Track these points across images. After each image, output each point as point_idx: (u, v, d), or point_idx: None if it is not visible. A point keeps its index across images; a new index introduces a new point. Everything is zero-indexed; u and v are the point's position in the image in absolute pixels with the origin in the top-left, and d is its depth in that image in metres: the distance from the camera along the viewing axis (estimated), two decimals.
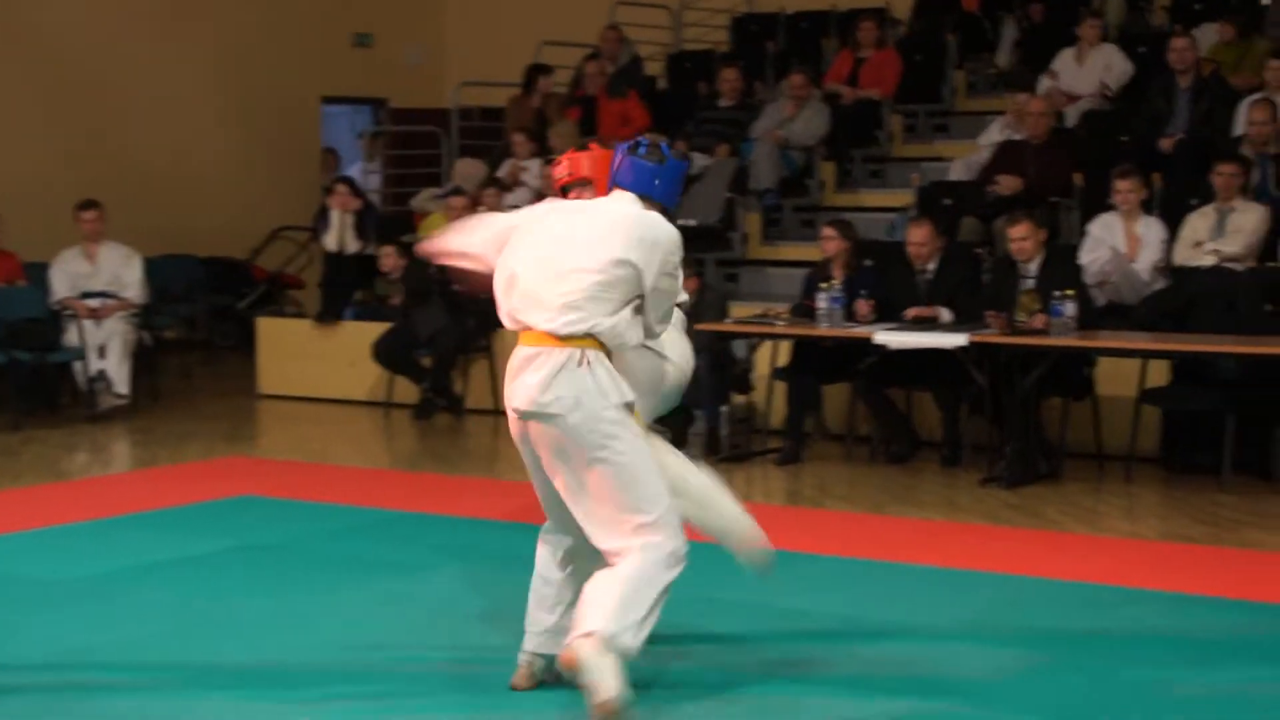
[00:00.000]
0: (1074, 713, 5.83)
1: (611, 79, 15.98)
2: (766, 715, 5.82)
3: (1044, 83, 14.06)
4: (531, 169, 14.88)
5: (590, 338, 5.67)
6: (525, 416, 5.70)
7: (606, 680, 5.44)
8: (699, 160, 14.69)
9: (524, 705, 5.85)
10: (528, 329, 5.74)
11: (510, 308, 5.83)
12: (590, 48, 16.53)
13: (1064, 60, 14.19)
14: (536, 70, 16.31)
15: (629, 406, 5.74)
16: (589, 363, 5.65)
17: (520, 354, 5.73)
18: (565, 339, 5.66)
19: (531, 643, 6.06)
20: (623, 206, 5.85)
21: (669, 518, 5.74)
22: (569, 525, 5.89)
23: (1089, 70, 13.97)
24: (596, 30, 16.62)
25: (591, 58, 16.30)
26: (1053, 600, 7.33)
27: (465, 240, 6.19)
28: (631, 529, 5.66)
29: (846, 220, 11.79)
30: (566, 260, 5.71)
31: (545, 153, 14.99)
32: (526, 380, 5.67)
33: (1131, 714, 5.83)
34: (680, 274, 5.96)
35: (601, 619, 5.53)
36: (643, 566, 5.65)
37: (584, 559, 5.95)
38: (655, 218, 5.84)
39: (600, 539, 5.73)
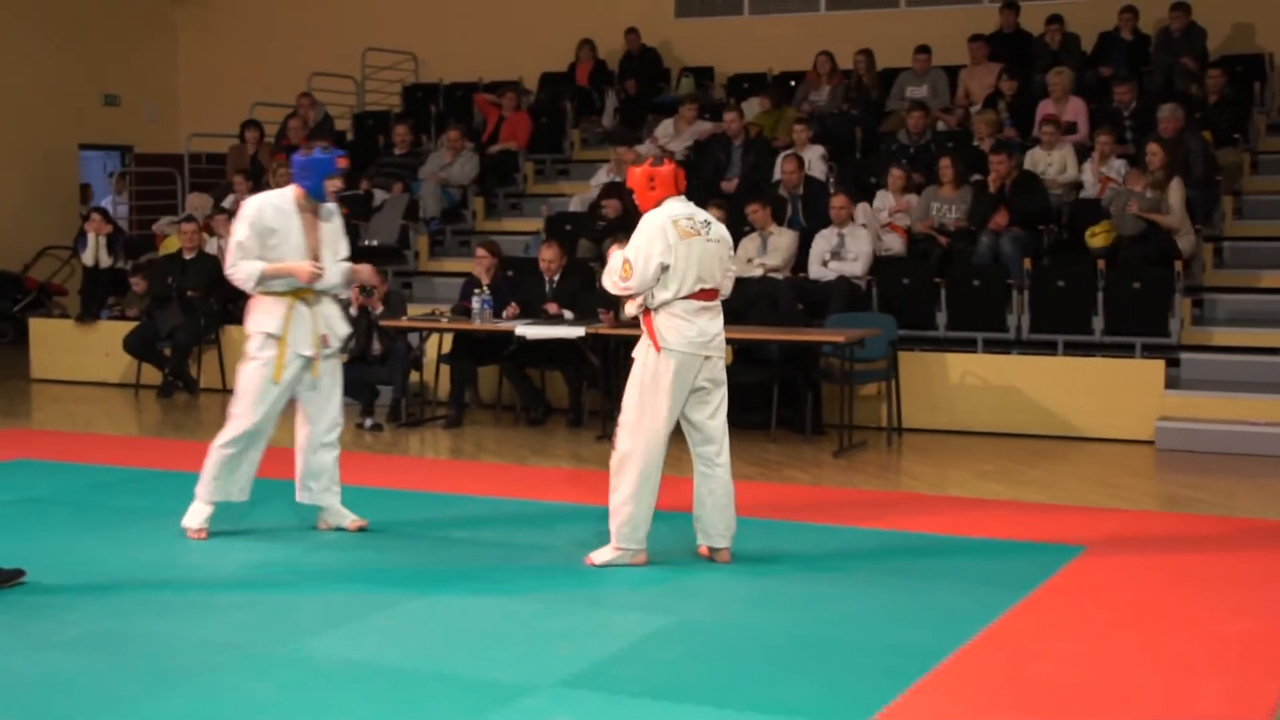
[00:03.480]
0: (667, 603, 5.98)
1: (310, 132, 15.68)
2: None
3: (647, 144, 14.23)
4: None
5: None
6: None
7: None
8: (379, 195, 14.52)
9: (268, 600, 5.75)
10: None
11: None
12: (291, 108, 16.19)
13: (664, 128, 14.37)
14: (249, 125, 15.94)
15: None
16: None
17: None
18: None
19: None
20: None
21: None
22: None
23: (683, 137, 14.20)
24: (296, 94, 16.29)
25: (292, 116, 15.98)
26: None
27: None
28: None
29: (494, 241, 11.80)
30: None
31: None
32: None
33: (695, 601, 5.99)
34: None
35: None
36: None
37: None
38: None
39: None
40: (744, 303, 11.11)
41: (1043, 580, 6.38)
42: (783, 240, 11.48)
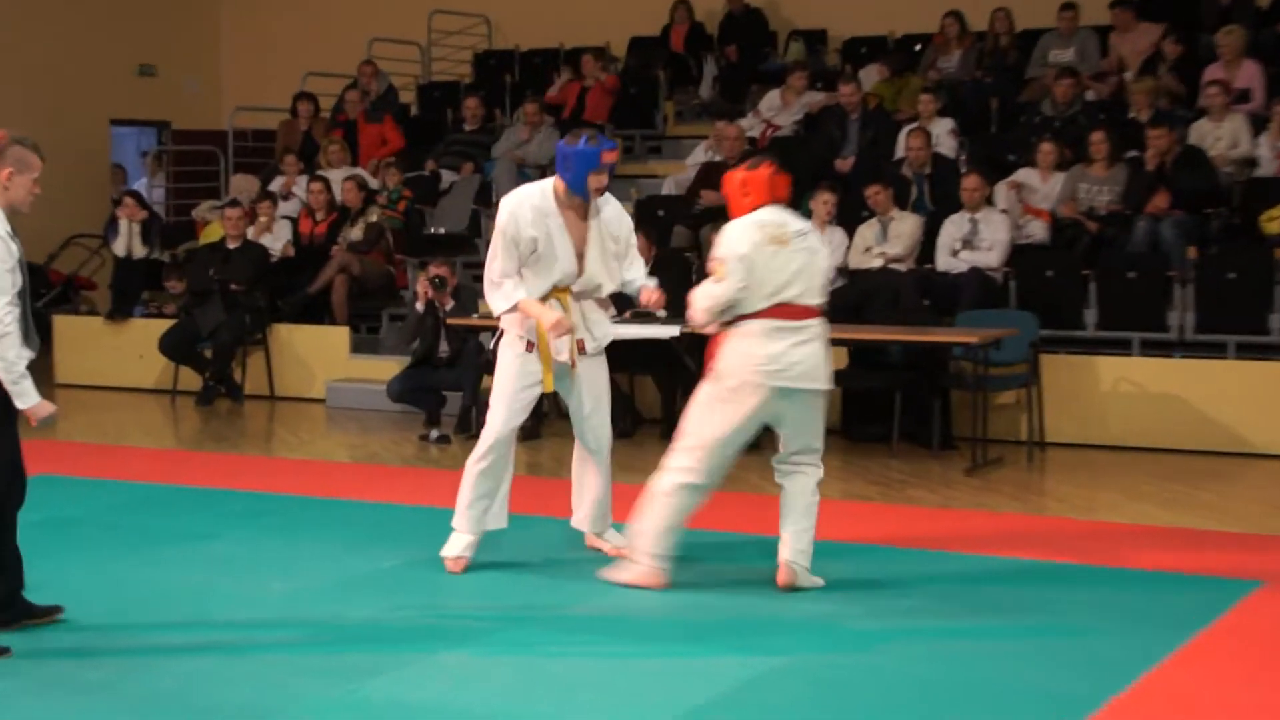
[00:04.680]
0: (774, 642, 5.95)
1: (370, 106, 15.84)
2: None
3: (750, 118, 14.18)
4: (300, 184, 14.67)
5: None
6: None
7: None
8: (447, 177, 14.62)
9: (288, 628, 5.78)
10: None
11: None
12: (349, 78, 16.35)
13: (770, 100, 14.33)
14: (301, 98, 16.10)
15: None
16: None
17: None
18: None
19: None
20: None
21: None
22: None
23: (791, 110, 14.15)
24: (355, 63, 16.44)
25: (351, 87, 16.13)
26: (749, 549, 7.43)
27: None
28: None
29: None
30: None
31: (312, 169, 14.78)
32: None
33: (808, 639, 5.97)
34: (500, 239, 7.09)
35: None
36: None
37: None
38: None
39: None
40: (862, 297, 11.08)
41: (1212, 620, 6.28)
42: (906, 226, 11.41)
